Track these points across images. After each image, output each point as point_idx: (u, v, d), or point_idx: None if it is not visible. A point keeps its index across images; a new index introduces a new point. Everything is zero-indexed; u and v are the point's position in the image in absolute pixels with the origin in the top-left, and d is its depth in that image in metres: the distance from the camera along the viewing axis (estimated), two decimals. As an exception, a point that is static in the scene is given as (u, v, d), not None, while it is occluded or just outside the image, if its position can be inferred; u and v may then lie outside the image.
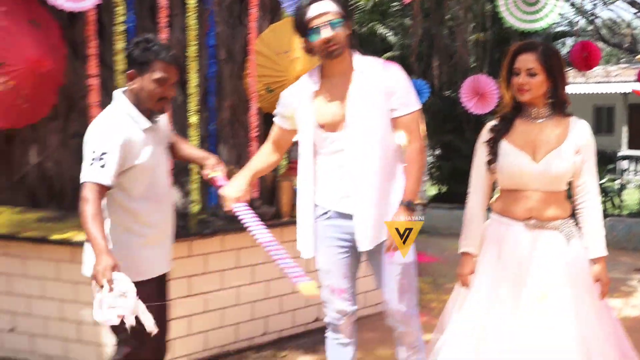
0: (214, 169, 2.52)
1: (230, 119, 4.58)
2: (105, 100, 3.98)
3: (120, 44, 3.64)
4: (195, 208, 4.03)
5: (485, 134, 2.51)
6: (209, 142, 4.11)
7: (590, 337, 2.32)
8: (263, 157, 2.72)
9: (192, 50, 3.94)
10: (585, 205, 2.42)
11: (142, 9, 4.08)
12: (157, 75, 2.29)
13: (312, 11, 2.35)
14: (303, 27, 2.40)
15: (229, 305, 3.68)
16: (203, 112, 4.21)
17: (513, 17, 4.15)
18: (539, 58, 2.35)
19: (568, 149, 2.38)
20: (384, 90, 2.43)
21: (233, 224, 3.59)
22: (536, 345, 2.29)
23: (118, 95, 2.38)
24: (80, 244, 3.06)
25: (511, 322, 2.35)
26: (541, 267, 2.36)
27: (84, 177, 2.22)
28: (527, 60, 2.35)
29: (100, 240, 2.14)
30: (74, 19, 3.94)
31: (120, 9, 3.64)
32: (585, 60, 6.55)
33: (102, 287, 1.99)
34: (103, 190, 2.23)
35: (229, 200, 2.48)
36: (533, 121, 2.43)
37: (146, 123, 2.34)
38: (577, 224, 2.47)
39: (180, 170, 3.87)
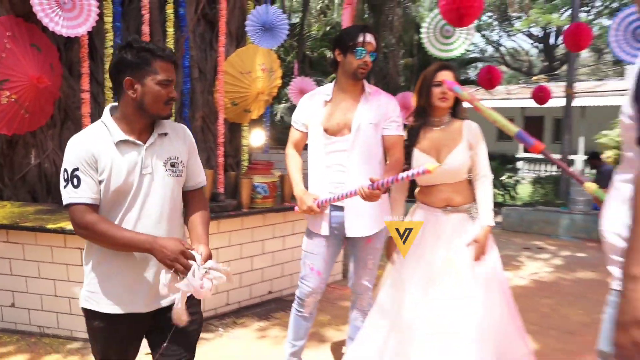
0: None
1: (202, 127, 4.56)
2: (96, 111, 3.99)
3: (109, 64, 3.56)
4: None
5: None
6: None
7: (490, 300, 2.36)
8: (297, 160, 2.60)
9: (170, 70, 3.90)
10: (479, 186, 2.48)
11: (129, 34, 4.05)
12: (161, 76, 1.67)
13: (367, 37, 2.40)
14: (352, 44, 2.40)
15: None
16: (179, 122, 4.19)
17: (433, 47, 4.23)
18: (454, 74, 2.49)
19: (464, 147, 2.46)
20: (383, 112, 2.48)
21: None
22: (442, 314, 2.31)
23: (105, 110, 1.78)
24: (71, 232, 3.07)
25: (421, 295, 2.37)
26: (451, 240, 2.43)
27: (64, 200, 1.66)
28: (448, 75, 2.46)
29: (138, 239, 1.62)
30: (69, 43, 3.89)
31: (110, 35, 3.58)
32: (489, 81, 6.78)
33: (183, 269, 1.58)
34: (90, 207, 1.64)
35: (312, 205, 2.41)
36: (435, 129, 2.49)
37: (120, 135, 1.68)
38: None
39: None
